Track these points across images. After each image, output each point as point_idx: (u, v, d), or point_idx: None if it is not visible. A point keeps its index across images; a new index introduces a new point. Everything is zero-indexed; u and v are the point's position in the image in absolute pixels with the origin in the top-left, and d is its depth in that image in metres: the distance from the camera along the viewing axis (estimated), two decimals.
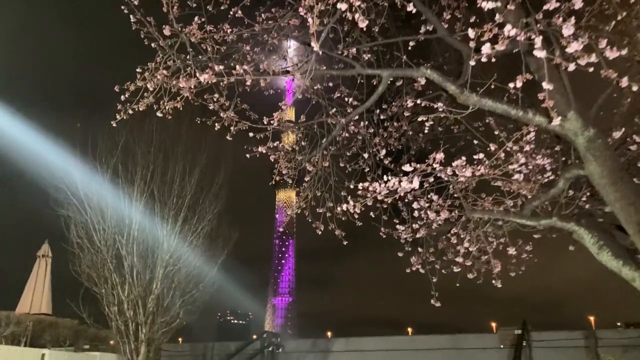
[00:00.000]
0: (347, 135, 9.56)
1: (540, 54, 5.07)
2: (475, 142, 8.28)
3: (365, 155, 9.34)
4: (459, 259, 8.39)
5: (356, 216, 8.87)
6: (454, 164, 7.10)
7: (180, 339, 20.91)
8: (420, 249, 9.99)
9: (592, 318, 19.26)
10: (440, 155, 6.87)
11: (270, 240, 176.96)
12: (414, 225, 9.71)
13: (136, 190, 15.44)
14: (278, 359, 17.71)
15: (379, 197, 7.47)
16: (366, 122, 9.32)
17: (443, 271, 9.71)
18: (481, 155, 7.16)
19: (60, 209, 15.15)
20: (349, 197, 7.80)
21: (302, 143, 9.62)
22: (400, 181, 7.08)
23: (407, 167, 6.90)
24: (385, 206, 8.63)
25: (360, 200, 7.59)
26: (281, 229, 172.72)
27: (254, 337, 18.85)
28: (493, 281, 8.33)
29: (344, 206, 7.73)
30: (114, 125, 7.47)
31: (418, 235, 9.48)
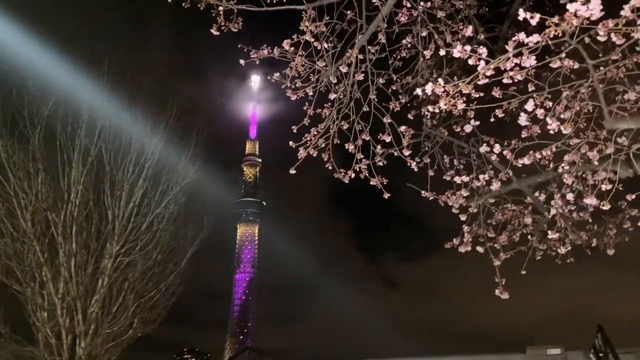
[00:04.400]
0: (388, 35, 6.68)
1: None
2: None
3: (427, 54, 6.30)
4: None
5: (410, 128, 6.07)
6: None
7: None
8: (466, 228, 7.59)
9: None
10: None
11: (231, 276, 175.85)
12: (481, 176, 7.08)
13: (77, 152, 11.81)
14: None
15: (487, 74, 4.37)
16: (428, 4, 6.33)
17: (502, 254, 7.46)
18: None
19: None
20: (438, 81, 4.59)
21: (325, 45, 6.60)
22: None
23: (525, 13, 3.78)
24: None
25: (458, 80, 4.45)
26: (242, 265, 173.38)
27: None
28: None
29: (430, 88, 4.47)
30: None
31: (494, 188, 6.90)
